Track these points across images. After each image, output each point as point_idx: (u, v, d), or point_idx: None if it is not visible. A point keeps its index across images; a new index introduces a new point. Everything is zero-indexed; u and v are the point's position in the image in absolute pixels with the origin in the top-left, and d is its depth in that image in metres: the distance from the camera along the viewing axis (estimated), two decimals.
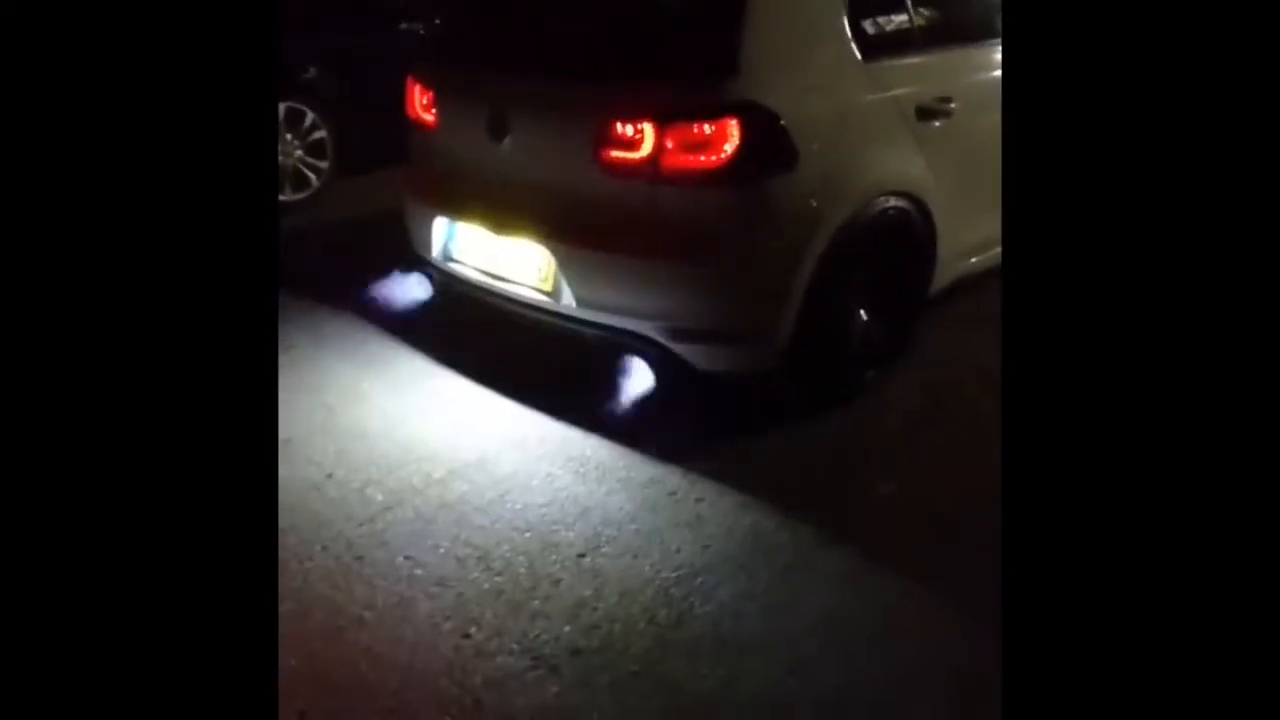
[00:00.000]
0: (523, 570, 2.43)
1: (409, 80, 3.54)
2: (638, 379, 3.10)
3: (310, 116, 5.52)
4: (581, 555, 2.49)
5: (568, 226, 2.96)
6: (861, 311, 3.20)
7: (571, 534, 2.57)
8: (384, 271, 4.09)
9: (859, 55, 3.04)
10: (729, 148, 2.72)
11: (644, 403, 3.09)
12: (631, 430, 3.03)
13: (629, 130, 2.80)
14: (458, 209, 3.29)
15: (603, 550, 2.51)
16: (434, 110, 3.42)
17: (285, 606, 2.30)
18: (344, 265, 4.55)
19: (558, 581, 2.39)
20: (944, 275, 3.44)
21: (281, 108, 5.40)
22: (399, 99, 3.69)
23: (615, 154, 2.84)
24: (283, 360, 3.57)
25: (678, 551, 2.50)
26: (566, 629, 2.24)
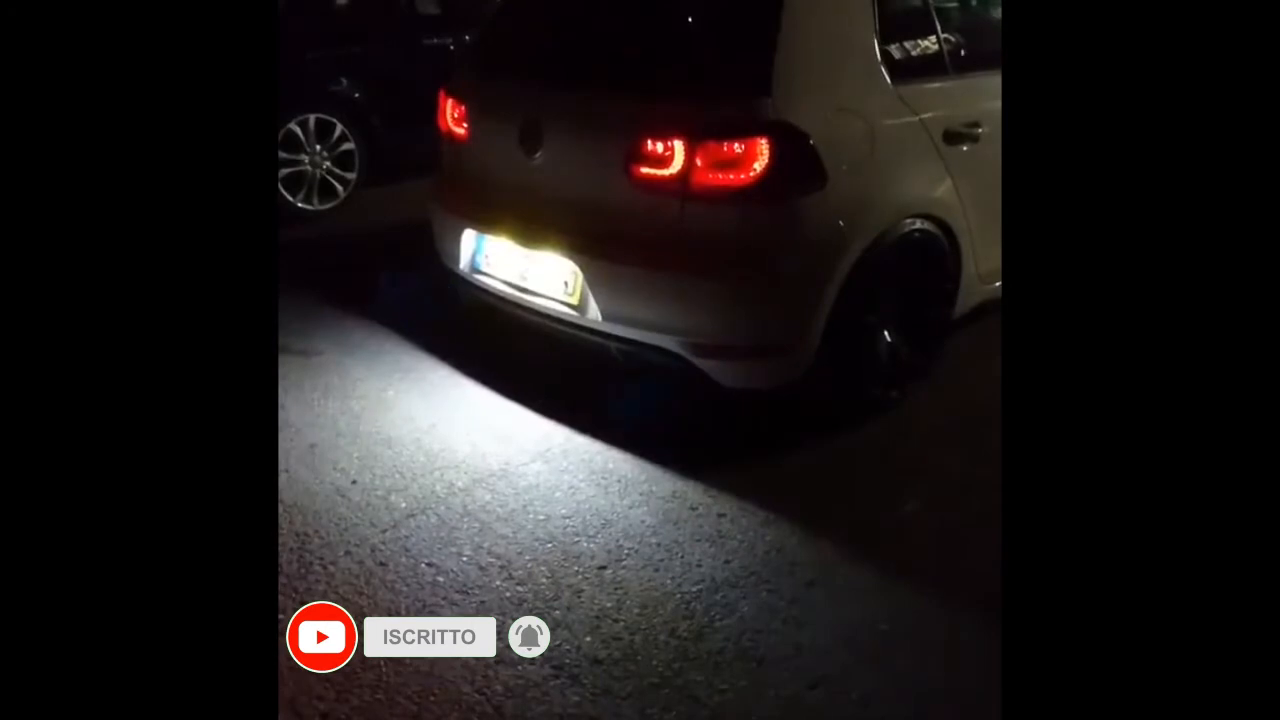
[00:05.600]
0: (544, 580, 2.44)
1: (441, 94, 3.59)
2: (662, 393, 3.12)
3: (339, 128, 5.58)
4: (603, 567, 2.50)
5: (596, 241, 2.99)
6: (886, 332, 3.21)
7: (593, 546, 2.58)
8: (411, 281, 4.13)
9: (888, 78, 3.06)
10: (759, 166, 2.75)
11: (667, 417, 3.10)
12: (654, 444, 3.04)
13: (660, 147, 2.83)
14: (487, 222, 3.33)
15: (624, 563, 2.52)
16: (465, 124, 3.47)
17: None
18: (371, 274, 4.60)
19: (579, 592, 2.40)
20: (969, 298, 3.45)
21: (311, 119, 5.47)
22: (426, 112, 3.73)
23: (645, 170, 2.87)
24: (309, 366, 3.61)
25: (699, 566, 2.50)
26: (588, 639, 2.25)
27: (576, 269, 3.02)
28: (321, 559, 2.52)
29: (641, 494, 2.82)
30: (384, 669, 2.15)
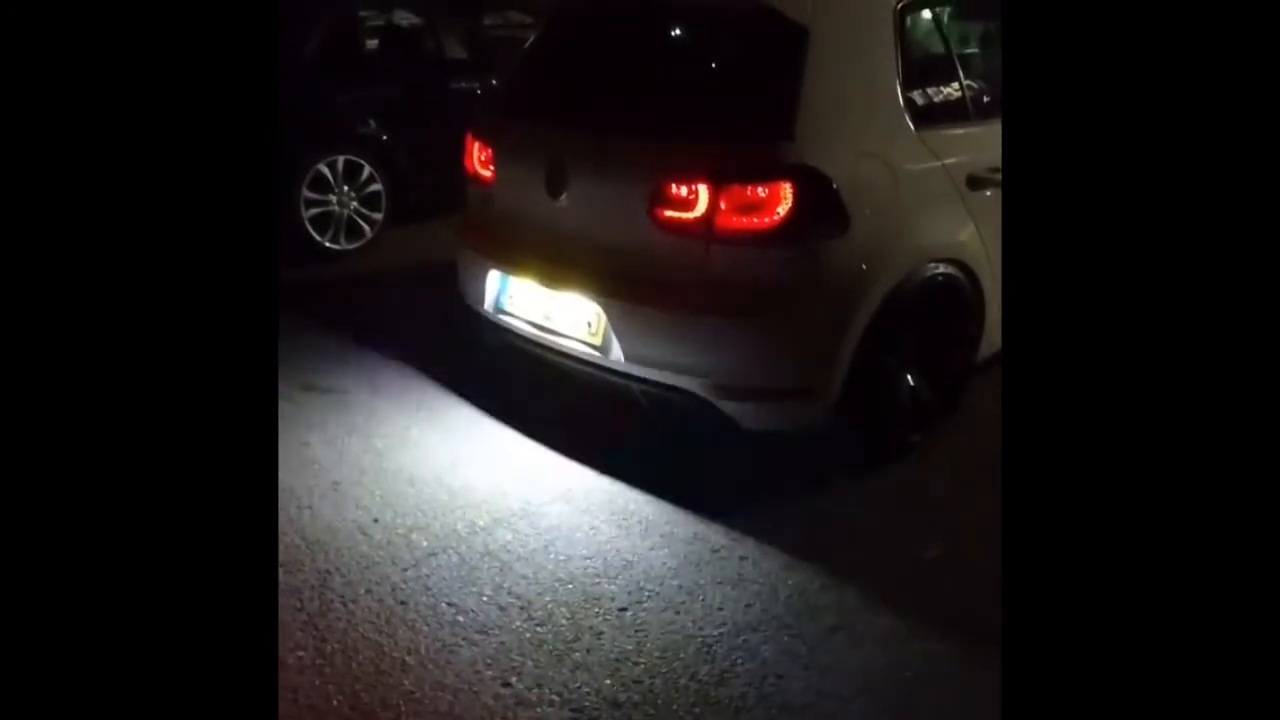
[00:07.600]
0: (564, 621, 2.44)
1: (468, 136, 3.64)
2: (684, 435, 3.11)
3: (367, 169, 5.66)
4: (623, 609, 2.49)
5: (620, 282, 3.01)
6: (909, 375, 3.20)
7: (614, 587, 2.57)
8: (436, 321, 4.16)
9: (912, 124, 3.08)
10: (782, 210, 2.77)
11: (689, 459, 3.09)
12: (676, 486, 3.03)
13: (684, 190, 2.86)
14: (512, 263, 3.36)
15: (645, 605, 2.50)
16: (492, 166, 3.51)
17: (329, 647, 2.33)
18: (396, 313, 4.64)
19: (599, 634, 2.39)
20: (993, 342, 3.44)
21: (339, 160, 5.55)
22: (452, 153, 3.79)
23: (670, 213, 2.90)
24: (334, 404, 3.64)
25: (720, 609, 2.49)
26: (607, 682, 2.23)
27: (600, 310, 3.04)
28: (342, 597, 2.52)
29: (663, 536, 2.81)
30: (403, 708, 2.14)
